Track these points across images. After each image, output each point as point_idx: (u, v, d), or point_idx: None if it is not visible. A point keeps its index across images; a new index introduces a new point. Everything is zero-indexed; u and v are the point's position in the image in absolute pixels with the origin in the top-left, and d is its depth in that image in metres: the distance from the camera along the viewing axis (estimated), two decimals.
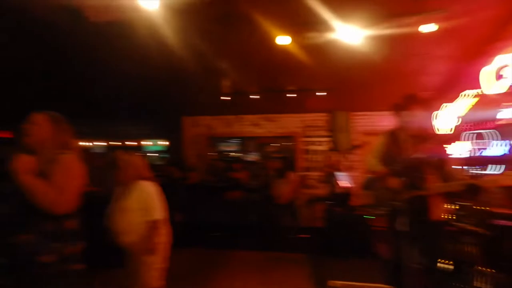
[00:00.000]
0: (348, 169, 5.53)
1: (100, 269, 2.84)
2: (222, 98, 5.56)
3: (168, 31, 3.32)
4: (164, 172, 4.63)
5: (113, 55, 3.88)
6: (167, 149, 6.85)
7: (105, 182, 3.49)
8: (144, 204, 2.14)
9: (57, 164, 1.52)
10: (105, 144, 7.13)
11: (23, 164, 1.42)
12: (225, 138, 6.85)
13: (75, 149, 1.67)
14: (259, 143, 6.75)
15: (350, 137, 5.99)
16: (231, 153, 6.89)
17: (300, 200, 5.58)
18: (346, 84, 4.82)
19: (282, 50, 3.75)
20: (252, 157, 6.78)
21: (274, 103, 5.78)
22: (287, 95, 5.31)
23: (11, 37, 3.42)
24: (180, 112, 6.52)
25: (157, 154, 6.95)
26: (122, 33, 3.37)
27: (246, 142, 6.83)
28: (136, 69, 4.25)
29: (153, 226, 2.13)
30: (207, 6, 2.89)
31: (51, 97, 5.14)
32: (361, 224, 4.22)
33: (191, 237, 4.40)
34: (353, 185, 5.01)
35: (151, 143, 7.17)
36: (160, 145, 7.09)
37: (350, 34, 3.19)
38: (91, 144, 6.99)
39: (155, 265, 2.16)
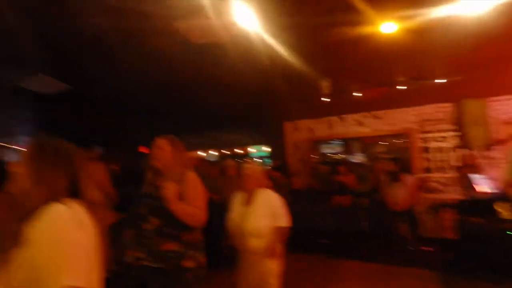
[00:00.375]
0: (486, 170, 4.48)
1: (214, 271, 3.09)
2: (322, 99, 5.41)
3: (266, 40, 3.44)
4: (270, 178, 4.77)
5: (218, 71, 4.30)
6: (270, 155, 7.08)
7: (219, 189, 3.85)
8: (271, 211, 2.22)
9: (186, 184, 1.72)
10: (216, 152, 7.90)
11: (171, 193, 1.63)
12: (328, 141, 6.59)
13: (191, 165, 1.90)
14: (365, 143, 6.22)
15: (487, 129, 4.81)
16: (335, 156, 6.57)
17: (421, 207, 4.86)
18: (476, 65, 3.94)
19: (388, 38, 3.36)
20: (358, 159, 6.30)
21: (381, 98, 5.24)
22: (397, 87, 4.72)
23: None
24: (282, 117, 6.65)
25: (261, 160, 7.26)
26: (223, 49, 3.68)
27: (350, 143, 6.40)
28: (239, 80, 4.59)
29: (280, 232, 2.22)
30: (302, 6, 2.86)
31: (169, 114, 6.12)
32: (507, 239, 3.32)
33: (298, 243, 4.37)
34: (492, 190, 4.01)
35: (255, 149, 7.56)
36: (264, 151, 7.39)
37: (474, 4, 2.57)
38: (204, 153, 7.88)
39: (276, 268, 2.21)
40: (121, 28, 3.24)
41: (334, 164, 5.91)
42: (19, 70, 3.98)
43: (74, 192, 0.92)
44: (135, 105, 5.73)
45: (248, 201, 2.28)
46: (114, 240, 1.64)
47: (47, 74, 4.06)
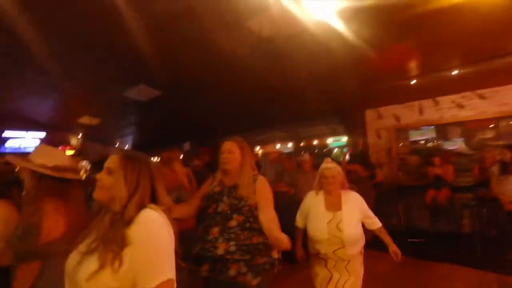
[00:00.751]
0: None
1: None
2: (411, 82, 4.82)
3: (341, 21, 3.23)
4: (348, 171, 4.51)
5: (292, 62, 4.24)
6: (349, 146, 6.69)
7: (296, 183, 3.84)
8: (362, 215, 2.09)
9: (257, 188, 1.78)
10: (293, 145, 7.84)
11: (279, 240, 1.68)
12: (418, 128, 5.84)
13: (256, 167, 1.92)
14: (466, 128, 5.29)
15: None
16: (428, 145, 5.79)
17: None
18: None
19: (492, 2, 2.76)
20: (457, 147, 5.41)
21: (486, 75, 4.37)
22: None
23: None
24: (362, 105, 6.20)
25: (340, 152, 6.92)
26: (296, 40, 3.60)
27: (446, 129, 5.54)
28: (315, 69, 4.43)
29: (383, 232, 2.13)
30: None
31: (247, 110, 6.32)
32: None
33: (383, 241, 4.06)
34: None
35: (333, 140, 7.24)
36: (343, 141, 7.02)
37: None
38: (282, 146, 7.90)
39: (362, 272, 2.10)
40: (203, 34, 3.49)
41: (427, 154, 5.23)
42: (126, 83, 4.70)
43: (153, 198, 1.04)
44: (218, 103, 6.11)
45: (333, 205, 2.09)
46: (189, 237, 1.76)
47: (142, 83, 4.67)
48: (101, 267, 0.89)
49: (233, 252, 1.66)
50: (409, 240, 4.30)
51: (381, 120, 6.08)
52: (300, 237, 2.26)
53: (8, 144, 7.94)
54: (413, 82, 4.83)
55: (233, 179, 1.83)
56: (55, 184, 1.50)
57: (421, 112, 5.61)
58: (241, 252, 1.66)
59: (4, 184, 1.87)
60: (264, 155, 6.90)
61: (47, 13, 3.02)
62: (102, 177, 1.03)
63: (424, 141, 5.86)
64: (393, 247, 2.11)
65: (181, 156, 7.46)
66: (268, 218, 1.74)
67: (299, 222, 2.27)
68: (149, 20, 3.20)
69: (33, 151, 1.57)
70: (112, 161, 1.04)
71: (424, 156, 5.22)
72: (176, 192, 2.24)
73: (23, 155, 1.64)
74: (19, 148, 7.92)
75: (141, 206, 0.99)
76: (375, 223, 2.13)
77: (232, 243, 1.67)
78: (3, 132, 7.81)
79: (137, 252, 0.90)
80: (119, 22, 3.03)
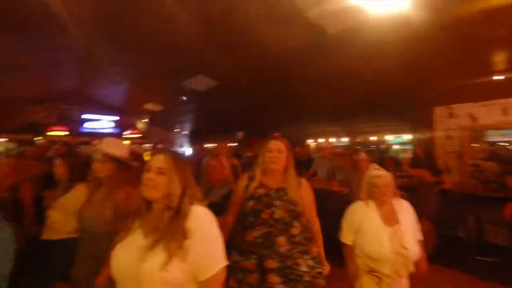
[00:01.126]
0: None
1: None
2: (494, 77, 4.20)
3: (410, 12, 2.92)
4: (411, 174, 4.12)
5: (353, 54, 3.99)
6: (413, 146, 6.12)
7: (349, 182, 3.63)
8: (415, 227, 1.88)
9: (306, 194, 1.76)
10: (349, 141, 7.44)
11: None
12: (499, 130, 5.08)
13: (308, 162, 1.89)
14: None
15: None
16: (509, 149, 5.00)
17: None
18: None
19: None
20: None
21: None
22: None
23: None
24: (431, 101, 5.60)
25: (400, 151, 6.37)
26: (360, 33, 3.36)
27: None
28: (379, 62, 4.12)
29: (422, 246, 1.92)
30: None
31: (301, 101, 6.16)
32: None
33: (447, 255, 3.67)
34: None
35: (395, 138, 6.70)
36: (405, 141, 6.45)
37: None
38: (337, 141, 7.55)
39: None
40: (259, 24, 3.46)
41: (507, 160, 4.53)
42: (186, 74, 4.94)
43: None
44: (272, 94, 6.08)
45: (389, 218, 1.82)
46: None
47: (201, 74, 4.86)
48: (170, 257, 0.96)
49: (315, 266, 1.68)
50: (478, 257, 3.81)
51: (452, 119, 5.43)
52: (353, 257, 1.92)
53: (85, 126, 9.00)
54: (497, 78, 4.19)
55: (276, 181, 1.74)
56: (128, 172, 1.69)
57: (504, 112, 4.86)
58: (318, 264, 1.70)
59: (83, 166, 2.11)
60: (317, 150, 6.70)
61: (120, 17, 3.31)
62: (155, 178, 1.07)
63: (504, 145, 5.09)
64: (424, 262, 1.92)
65: (234, 145, 7.62)
66: (317, 230, 1.79)
67: (347, 237, 1.93)
68: (208, 16, 3.27)
69: (103, 143, 1.71)
70: (162, 162, 1.09)
71: (504, 163, 4.52)
72: (224, 188, 2.26)
73: (99, 135, 1.84)
74: (95, 129, 8.94)
75: (191, 202, 1.07)
76: (419, 235, 1.89)
77: (307, 257, 1.67)
78: (82, 114, 8.85)
79: (197, 243, 1.00)
80: (180, 19, 3.18)
